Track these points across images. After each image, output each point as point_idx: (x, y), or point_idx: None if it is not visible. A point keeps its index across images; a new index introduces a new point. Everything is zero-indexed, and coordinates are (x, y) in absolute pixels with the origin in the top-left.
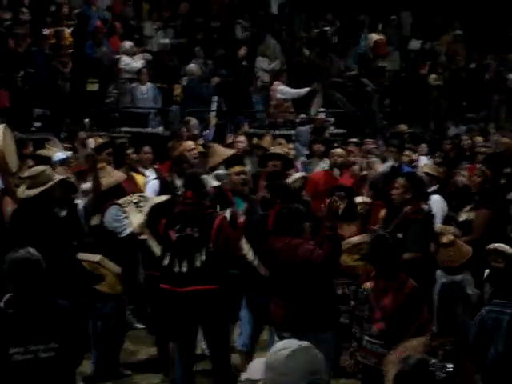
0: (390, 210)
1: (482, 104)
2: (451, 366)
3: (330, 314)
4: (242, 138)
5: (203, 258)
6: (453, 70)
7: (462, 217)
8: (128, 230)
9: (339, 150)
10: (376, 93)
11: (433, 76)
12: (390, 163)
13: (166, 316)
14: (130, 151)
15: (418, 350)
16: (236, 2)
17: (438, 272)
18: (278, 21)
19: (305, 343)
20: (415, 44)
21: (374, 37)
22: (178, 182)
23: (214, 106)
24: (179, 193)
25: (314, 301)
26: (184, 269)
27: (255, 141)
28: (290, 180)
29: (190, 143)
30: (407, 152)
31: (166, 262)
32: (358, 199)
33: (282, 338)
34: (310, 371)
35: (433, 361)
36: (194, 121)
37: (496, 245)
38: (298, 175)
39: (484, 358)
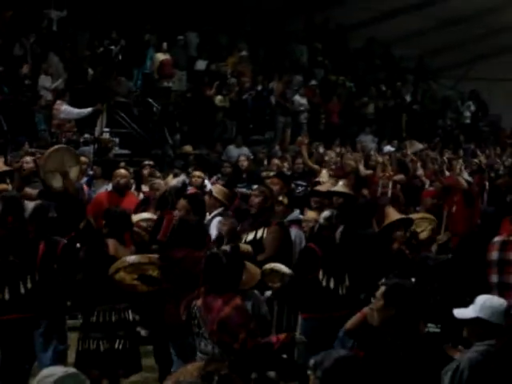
0: None
1: (267, 126)
2: None
3: None
4: (28, 159)
5: (28, 285)
6: (239, 92)
7: (250, 236)
8: None
9: (122, 171)
10: (162, 113)
11: (219, 97)
12: (182, 178)
13: None
14: None
15: (193, 375)
16: (19, 18)
17: None
18: (61, 38)
19: (71, 370)
20: (201, 64)
21: (160, 57)
22: None
23: None
24: None
25: None
26: (6, 296)
27: None
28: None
29: None
30: (197, 173)
31: None
32: (144, 215)
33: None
34: None
35: None
36: None
37: (272, 264)
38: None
39: None
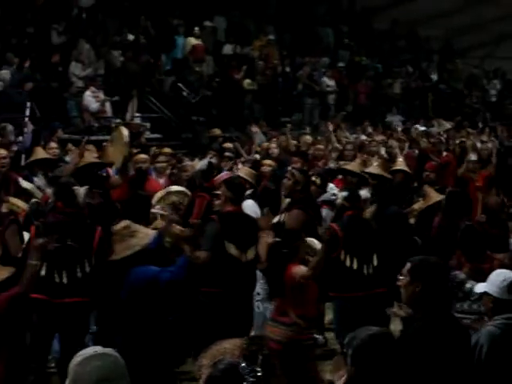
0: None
1: (295, 108)
2: (259, 370)
3: None
4: (53, 145)
5: (86, 269)
6: (267, 75)
7: (275, 219)
8: None
9: (143, 156)
10: (193, 98)
11: (247, 81)
12: (206, 160)
13: (36, 326)
14: None
15: (235, 354)
16: (49, 6)
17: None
18: (91, 26)
19: (106, 350)
20: (228, 49)
21: (192, 41)
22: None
23: (27, 112)
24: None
25: None
26: (64, 280)
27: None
28: None
29: (1, 152)
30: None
31: (42, 272)
32: (175, 187)
33: None
34: (100, 378)
35: (243, 364)
36: (9, 127)
37: (308, 239)
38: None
39: None
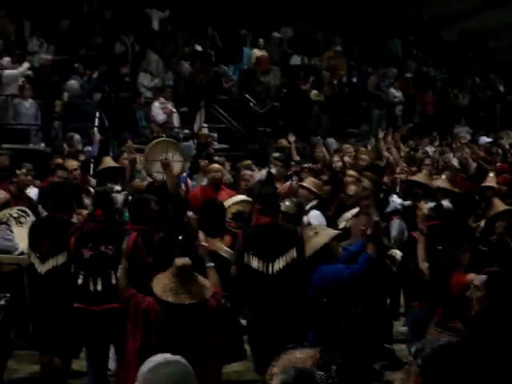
0: None
1: (362, 119)
2: (336, 378)
3: None
4: (126, 155)
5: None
6: (334, 86)
7: (341, 224)
8: (19, 249)
9: (216, 166)
10: (260, 108)
11: (314, 92)
12: (265, 170)
13: (79, 334)
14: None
15: (307, 363)
16: (118, 18)
17: None
18: (160, 37)
19: (175, 357)
20: (296, 60)
21: (257, 53)
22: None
23: (96, 122)
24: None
25: None
26: (99, 287)
27: None
28: None
29: (73, 163)
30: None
31: (79, 280)
32: (240, 197)
33: None
34: None
35: (318, 372)
36: (77, 136)
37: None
38: None
39: None
